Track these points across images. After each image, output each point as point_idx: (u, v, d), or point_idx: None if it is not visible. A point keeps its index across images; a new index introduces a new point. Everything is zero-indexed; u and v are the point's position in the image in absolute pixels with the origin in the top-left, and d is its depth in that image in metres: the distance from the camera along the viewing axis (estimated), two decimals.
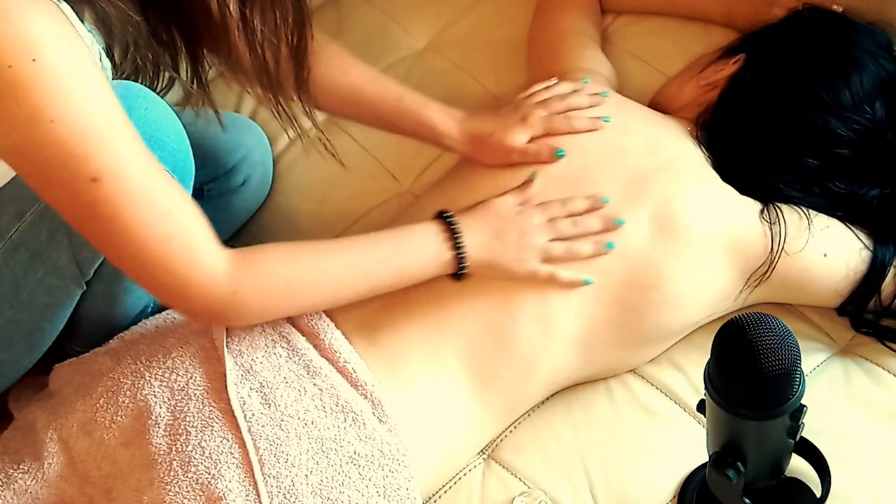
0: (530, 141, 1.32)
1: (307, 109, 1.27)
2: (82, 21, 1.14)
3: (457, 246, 1.21)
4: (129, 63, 1.19)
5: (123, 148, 1.03)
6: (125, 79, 1.21)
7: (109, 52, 1.18)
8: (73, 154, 1.00)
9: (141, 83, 1.22)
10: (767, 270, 1.28)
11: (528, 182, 1.28)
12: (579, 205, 1.27)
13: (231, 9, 1.12)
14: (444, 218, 1.23)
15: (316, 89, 1.30)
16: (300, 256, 1.17)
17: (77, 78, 0.99)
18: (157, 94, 1.23)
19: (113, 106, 1.02)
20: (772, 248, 1.28)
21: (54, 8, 1.00)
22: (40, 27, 0.97)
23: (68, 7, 1.10)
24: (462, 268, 1.21)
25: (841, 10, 1.44)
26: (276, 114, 1.25)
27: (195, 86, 1.26)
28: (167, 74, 1.26)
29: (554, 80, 1.40)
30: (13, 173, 1.15)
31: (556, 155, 1.30)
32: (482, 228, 1.23)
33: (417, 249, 1.21)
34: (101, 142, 1.01)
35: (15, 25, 0.95)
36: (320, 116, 1.34)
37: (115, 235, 1.05)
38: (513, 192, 1.28)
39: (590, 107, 1.35)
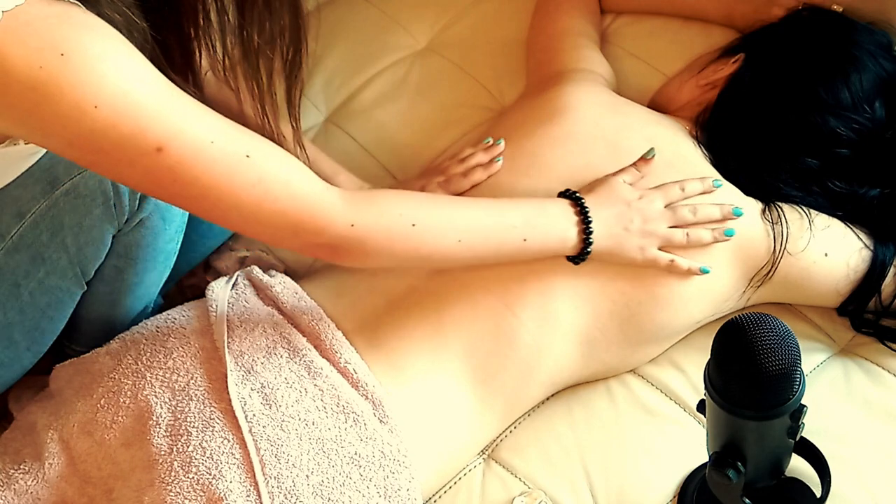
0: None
1: (293, 123, 1.27)
2: None
3: (586, 230, 1.21)
4: None
5: (176, 112, 1.02)
6: None
7: None
8: (128, 132, 0.98)
9: None
10: (770, 270, 1.28)
11: (644, 159, 1.29)
12: (695, 187, 1.28)
13: (229, 17, 1.12)
14: (573, 198, 1.23)
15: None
16: (424, 202, 1.17)
17: (107, 60, 0.98)
18: None
19: (151, 75, 1.01)
20: (774, 248, 1.28)
21: (70, 5, 1.00)
22: (61, 24, 0.97)
23: None
24: (587, 252, 1.22)
25: (841, 9, 1.44)
26: (260, 123, 1.25)
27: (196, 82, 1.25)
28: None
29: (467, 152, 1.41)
30: (13, 174, 1.15)
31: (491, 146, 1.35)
32: (609, 213, 1.23)
33: (547, 225, 1.21)
34: (152, 113, 0.99)
35: (38, 31, 0.95)
36: (321, 118, 1.34)
37: (203, 198, 1.03)
38: (628, 170, 1.28)
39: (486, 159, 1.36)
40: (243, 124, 1.08)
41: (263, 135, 1.11)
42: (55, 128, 0.98)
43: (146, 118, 0.99)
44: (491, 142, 1.38)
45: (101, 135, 0.98)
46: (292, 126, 1.26)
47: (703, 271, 1.25)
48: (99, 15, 1.03)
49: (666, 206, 1.26)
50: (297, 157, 1.17)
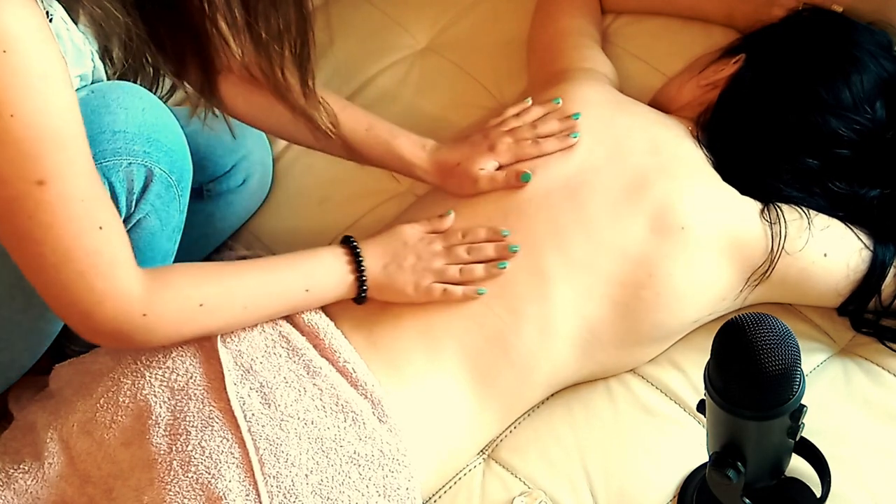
0: (500, 168, 1.33)
1: (310, 113, 1.27)
2: (76, 22, 1.14)
3: (359, 270, 1.24)
4: (119, 64, 1.19)
5: (75, 155, 1.03)
6: (123, 79, 1.21)
7: (108, 53, 1.18)
8: (26, 153, 0.99)
9: (141, 85, 1.22)
10: (768, 270, 1.28)
11: (442, 216, 1.30)
12: (479, 233, 1.28)
13: (237, 15, 1.12)
14: (348, 242, 1.26)
15: (281, 120, 1.31)
16: (211, 278, 1.17)
17: (45, 78, 0.99)
18: (159, 96, 1.23)
19: (73, 112, 1.02)
20: (772, 248, 1.28)
21: (35, 6, 1.00)
22: (16, 21, 0.97)
23: (60, 7, 1.10)
24: (363, 291, 1.24)
25: (841, 10, 1.44)
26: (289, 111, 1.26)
27: (203, 88, 1.25)
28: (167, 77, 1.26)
29: (528, 102, 1.39)
30: None
31: (522, 179, 1.30)
32: (382, 252, 1.26)
33: (324, 273, 1.24)
34: (56, 145, 1.00)
35: None
36: None
37: (42, 243, 1.04)
38: (423, 222, 1.30)
39: (561, 131, 1.33)
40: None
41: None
42: None
43: (48, 148, 1.00)
44: (561, 102, 1.36)
45: (1, 144, 0.98)
46: (308, 115, 1.26)
47: (480, 292, 1.25)
48: (83, 9, 1.03)
49: (444, 247, 1.28)
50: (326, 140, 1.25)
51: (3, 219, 1.05)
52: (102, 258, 1.06)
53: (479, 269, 1.26)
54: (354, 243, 1.26)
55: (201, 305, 1.15)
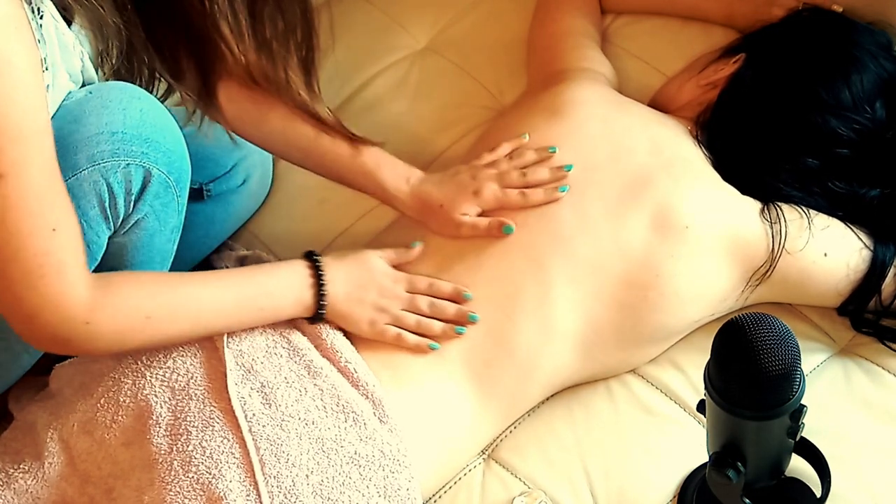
0: (483, 214, 1.30)
1: (317, 114, 1.27)
2: (70, 22, 1.14)
3: (320, 294, 1.22)
4: (115, 65, 1.19)
5: (37, 153, 1.01)
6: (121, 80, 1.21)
7: (103, 55, 1.18)
8: None
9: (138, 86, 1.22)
10: (768, 270, 1.28)
11: (409, 248, 1.29)
12: (443, 289, 1.26)
13: (242, 18, 1.11)
14: (311, 260, 1.23)
15: (270, 135, 1.32)
16: (161, 290, 1.15)
17: (14, 71, 0.97)
18: (156, 97, 1.23)
19: (41, 111, 1.01)
20: (772, 248, 1.28)
21: (16, 2, 0.99)
22: None
23: (51, 4, 1.10)
24: (320, 315, 1.22)
25: (841, 10, 1.44)
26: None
27: (201, 94, 1.25)
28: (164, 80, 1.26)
29: (525, 138, 1.35)
30: None
31: (504, 231, 1.27)
32: (346, 278, 1.24)
33: (281, 290, 1.21)
34: (17, 140, 0.99)
35: None
36: None
37: None
38: (391, 253, 1.29)
39: (550, 182, 1.29)
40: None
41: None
42: None
43: (8, 141, 0.98)
44: (556, 151, 1.32)
45: None
46: (315, 116, 1.26)
47: (432, 347, 1.23)
48: (77, 7, 1.02)
49: (408, 292, 1.26)
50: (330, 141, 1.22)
51: None
52: (50, 260, 1.04)
53: (436, 327, 1.24)
54: (318, 262, 1.23)
55: (147, 318, 1.12)
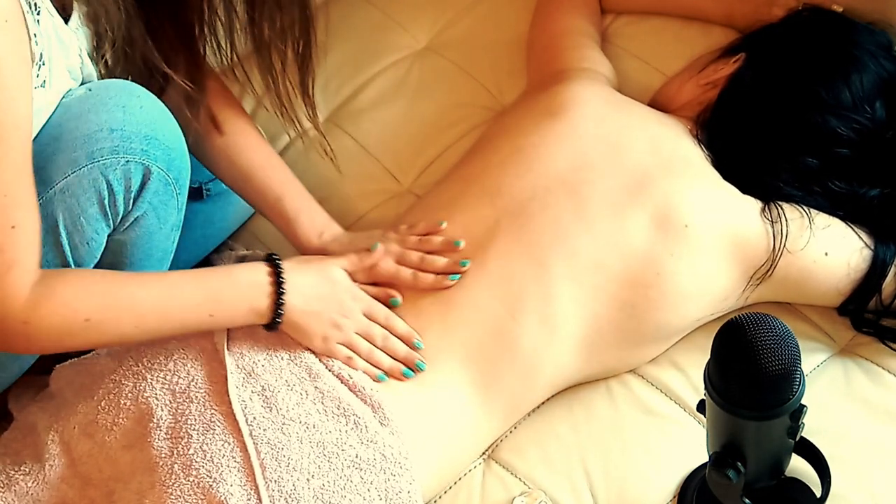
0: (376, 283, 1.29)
1: (309, 112, 1.27)
2: (66, 19, 1.14)
3: (278, 302, 1.19)
4: (113, 61, 1.19)
5: (9, 148, 1.01)
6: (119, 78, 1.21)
7: (100, 51, 1.18)
8: None
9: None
10: (769, 269, 1.28)
11: (367, 251, 1.29)
12: (398, 327, 1.25)
13: (238, 12, 1.11)
14: (273, 266, 1.21)
15: (214, 157, 1.32)
16: (104, 292, 1.13)
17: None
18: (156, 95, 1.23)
19: (19, 107, 1.00)
20: (773, 247, 1.28)
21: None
22: None
23: (49, 4, 1.10)
24: (276, 323, 1.20)
25: (841, 10, 1.44)
26: (278, 113, 1.25)
27: (193, 87, 1.25)
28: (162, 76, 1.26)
29: (443, 225, 1.31)
30: None
31: (391, 303, 1.27)
32: (307, 291, 1.22)
33: (234, 296, 1.19)
34: None
35: None
36: (322, 118, 1.34)
37: None
38: (353, 258, 1.28)
39: (443, 271, 1.27)
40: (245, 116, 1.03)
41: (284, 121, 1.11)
42: None
43: None
44: (462, 245, 1.28)
45: None
46: (308, 115, 1.25)
47: (380, 379, 1.22)
48: (76, 2, 1.02)
49: (365, 316, 1.25)
50: (321, 143, 1.22)
51: None
52: (3, 258, 1.04)
53: (385, 361, 1.23)
54: (280, 269, 1.21)
55: (87, 320, 1.11)
